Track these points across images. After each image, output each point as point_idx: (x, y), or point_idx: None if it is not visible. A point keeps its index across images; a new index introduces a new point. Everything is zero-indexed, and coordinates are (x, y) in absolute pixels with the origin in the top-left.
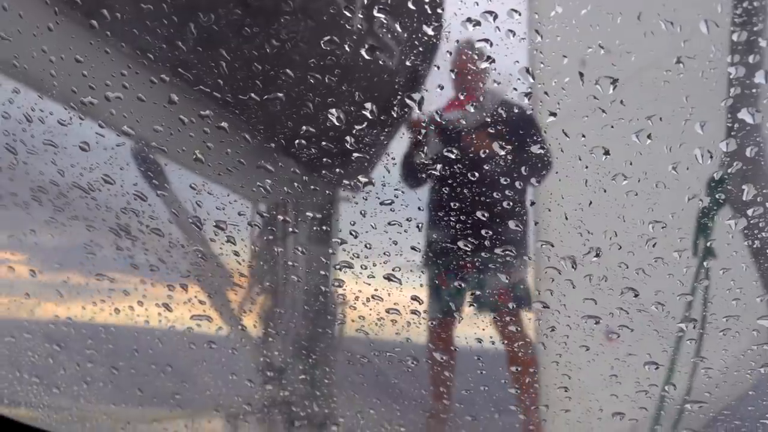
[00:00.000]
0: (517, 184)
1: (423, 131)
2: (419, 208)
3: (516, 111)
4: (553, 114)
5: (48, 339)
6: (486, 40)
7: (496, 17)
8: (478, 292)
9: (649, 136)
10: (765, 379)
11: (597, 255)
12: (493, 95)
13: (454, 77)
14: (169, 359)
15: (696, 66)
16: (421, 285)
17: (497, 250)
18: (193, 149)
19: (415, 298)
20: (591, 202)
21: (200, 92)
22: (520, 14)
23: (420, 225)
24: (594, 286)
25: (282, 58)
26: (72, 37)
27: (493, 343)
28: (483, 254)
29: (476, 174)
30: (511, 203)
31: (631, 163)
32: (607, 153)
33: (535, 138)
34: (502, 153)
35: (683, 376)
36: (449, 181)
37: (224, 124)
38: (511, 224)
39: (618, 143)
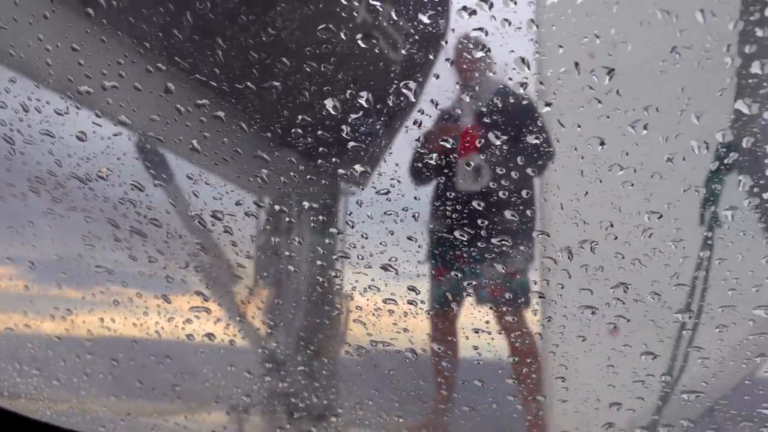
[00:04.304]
0: (519, 175)
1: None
2: (415, 198)
3: (518, 103)
4: (549, 104)
5: (47, 331)
6: (481, 29)
7: (491, 6)
8: (477, 284)
9: (645, 127)
10: (761, 369)
11: (593, 245)
12: (493, 85)
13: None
14: (167, 351)
15: (692, 56)
16: (418, 275)
17: (498, 242)
18: (189, 139)
19: (411, 288)
20: (587, 193)
21: (196, 81)
22: (516, 3)
23: (416, 215)
24: (590, 277)
25: (278, 46)
26: (68, 25)
27: (489, 333)
28: (484, 246)
29: (481, 169)
30: (515, 195)
31: (627, 154)
32: (602, 143)
33: (535, 129)
34: (501, 144)
35: (680, 366)
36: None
37: (221, 114)
38: (514, 216)
39: (614, 134)
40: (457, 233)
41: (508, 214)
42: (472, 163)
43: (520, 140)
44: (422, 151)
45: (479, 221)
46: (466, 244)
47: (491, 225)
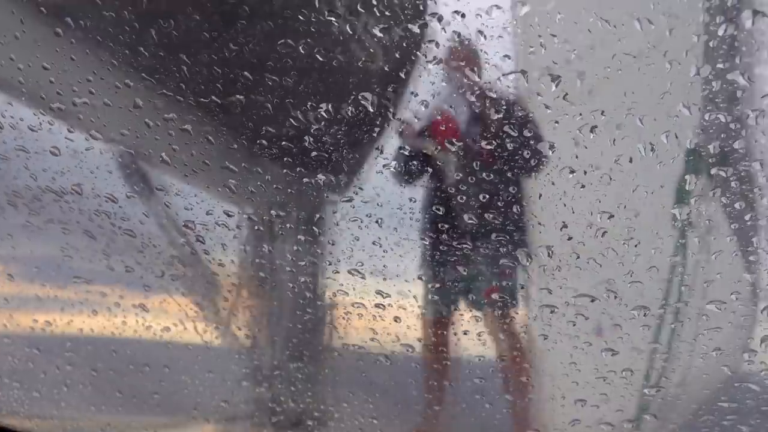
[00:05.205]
0: (512, 180)
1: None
2: (378, 204)
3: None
4: (499, 111)
5: (27, 343)
6: (432, 41)
7: (441, 19)
8: (471, 289)
9: (592, 130)
10: (717, 363)
11: (550, 247)
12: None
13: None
14: (146, 359)
15: (633, 62)
16: (384, 279)
17: (492, 247)
18: (159, 152)
19: (378, 292)
20: (540, 195)
21: (164, 96)
22: (464, 16)
23: (380, 220)
24: (548, 276)
25: (240, 61)
26: (38, 44)
27: (455, 335)
28: (477, 251)
29: (473, 171)
30: (506, 200)
31: (577, 157)
32: (552, 147)
33: (530, 132)
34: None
35: (640, 361)
36: (441, 179)
37: (188, 127)
38: (507, 221)
39: (563, 138)
40: (450, 236)
41: (500, 216)
42: (463, 164)
43: (512, 142)
44: (412, 152)
45: (472, 224)
46: (459, 247)
47: (484, 227)
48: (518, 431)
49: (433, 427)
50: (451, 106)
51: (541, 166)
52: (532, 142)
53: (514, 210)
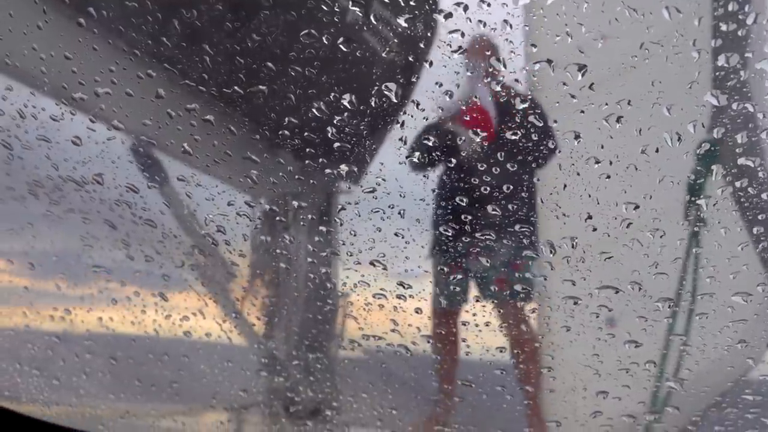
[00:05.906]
0: (521, 172)
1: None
2: (401, 195)
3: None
4: (524, 101)
5: (47, 331)
6: (456, 31)
7: (466, 8)
8: (483, 280)
9: (618, 120)
10: (743, 355)
11: (574, 238)
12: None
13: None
14: (165, 348)
15: (661, 52)
16: (406, 270)
17: (505, 239)
18: (180, 142)
19: (400, 284)
20: (565, 186)
21: (186, 86)
22: (489, 5)
23: (402, 212)
24: (572, 268)
25: (263, 51)
26: (61, 34)
27: (477, 326)
28: (490, 243)
29: (484, 164)
30: (518, 192)
31: (602, 147)
32: (578, 137)
33: (543, 126)
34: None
35: (663, 353)
36: (458, 170)
37: (210, 117)
38: (520, 214)
39: (589, 128)
40: (464, 229)
41: (514, 208)
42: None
43: (526, 134)
44: (435, 143)
45: (488, 216)
46: (473, 239)
47: (498, 220)
48: (536, 423)
49: (450, 418)
50: (475, 97)
51: (550, 158)
52: (543, 133)
53: (532, 202)
